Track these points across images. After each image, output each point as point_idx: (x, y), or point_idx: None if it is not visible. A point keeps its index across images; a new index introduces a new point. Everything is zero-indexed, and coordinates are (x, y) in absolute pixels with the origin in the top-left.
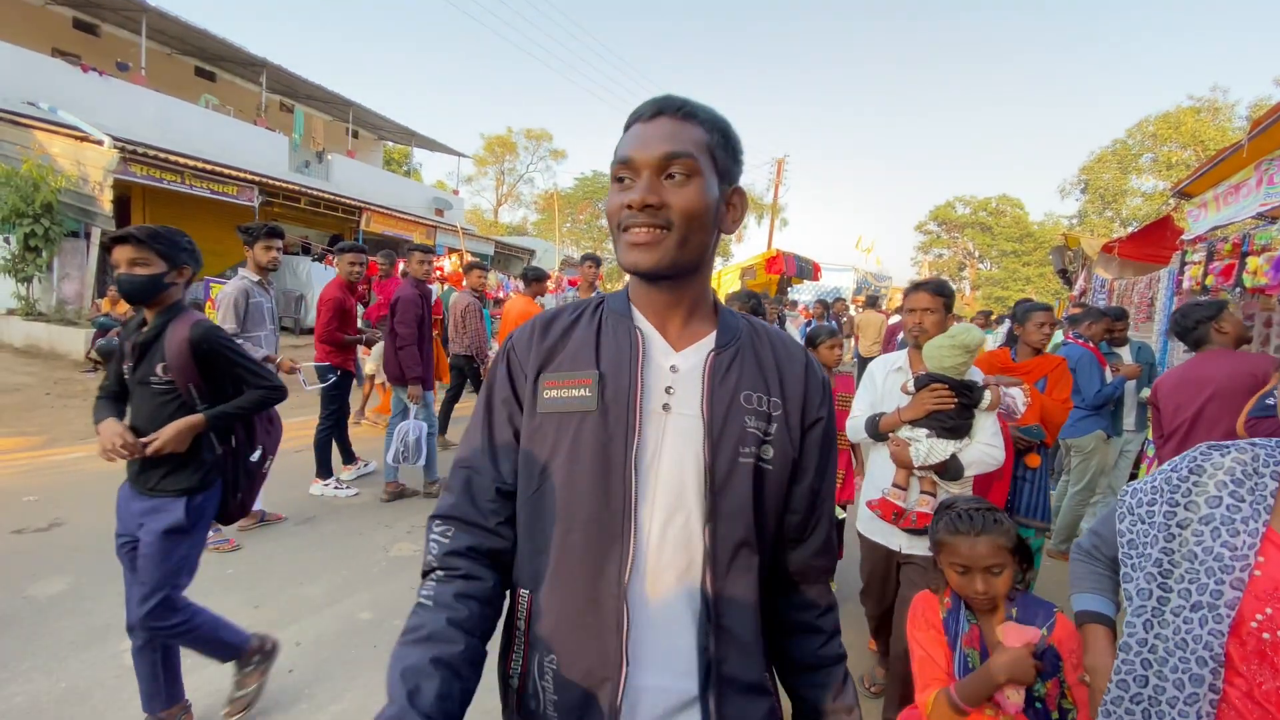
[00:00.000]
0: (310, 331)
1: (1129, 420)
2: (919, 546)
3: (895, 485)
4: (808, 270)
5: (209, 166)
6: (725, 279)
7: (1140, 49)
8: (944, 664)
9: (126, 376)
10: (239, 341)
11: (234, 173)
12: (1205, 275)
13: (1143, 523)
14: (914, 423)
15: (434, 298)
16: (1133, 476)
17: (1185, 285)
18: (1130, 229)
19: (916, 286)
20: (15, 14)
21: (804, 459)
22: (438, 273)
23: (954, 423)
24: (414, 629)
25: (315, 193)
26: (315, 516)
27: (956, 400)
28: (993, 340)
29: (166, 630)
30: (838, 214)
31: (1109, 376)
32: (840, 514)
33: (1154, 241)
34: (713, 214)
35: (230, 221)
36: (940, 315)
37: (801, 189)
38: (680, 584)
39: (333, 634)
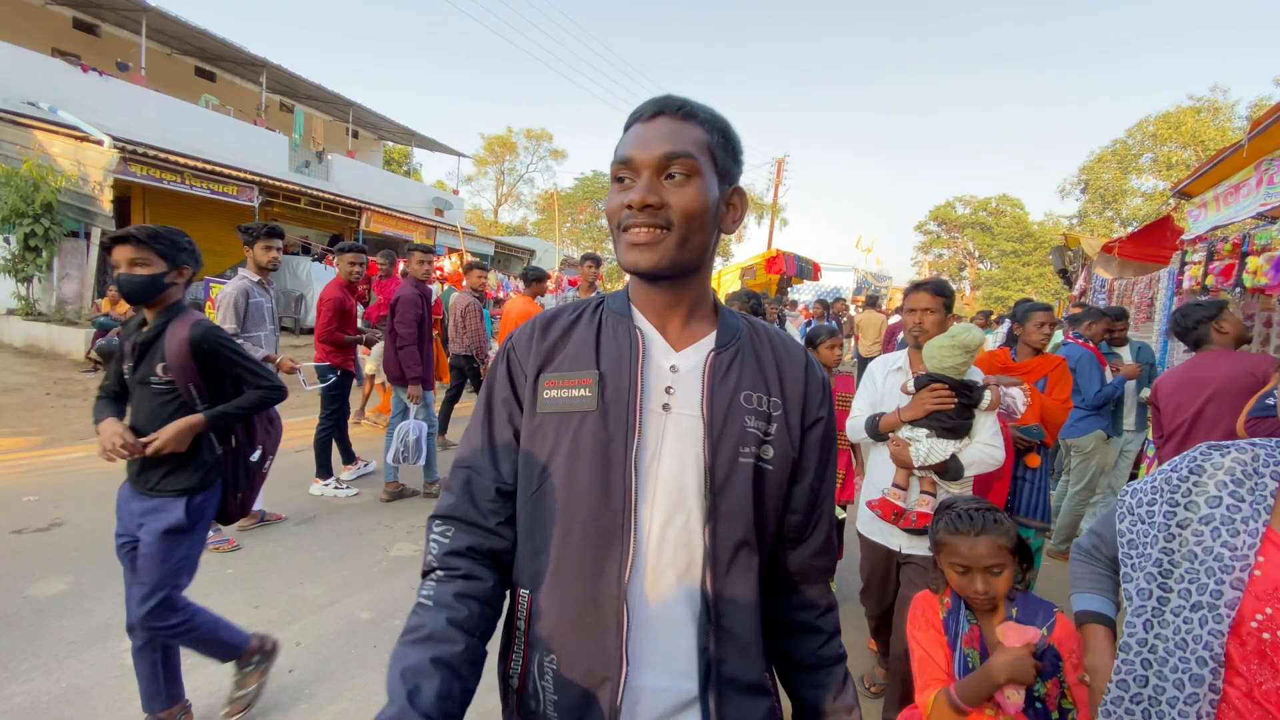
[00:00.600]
0: (310, 331)
1: (1129, 420)
2: (919, 546)
3: (895, 485)
4: (808, 270)
5: (209, 166)
6: (725, 279)
7: (1140, 49)
8: (944, 664)
9: (126, 376)
10: (239, 341)
11: (234, 173)
12: (1205, 275)
13: (1143, 523)
14: (914, 423)
15: (434, 298)
16: (1133, 476)
17: (1185, 285)
18: (1130, 229)
19: (916, 286)
20: (15, 14)
21: (804, 459)
22: (438, 273)
23: (954, 423)
24: (414, 629)
25: (315, 193)
26: (315, 516)
27: (956, 400)
28: (993, 340)
29: (166, 630)
30: (838, 214)
31: (1109, 376)
32: (840, 514)
33: (1154, 241)
34: (713, 214)
35: (230, 221)
36: (940, 315)
37: (801, 189)
38: (680, 584)
39: (333, 634)
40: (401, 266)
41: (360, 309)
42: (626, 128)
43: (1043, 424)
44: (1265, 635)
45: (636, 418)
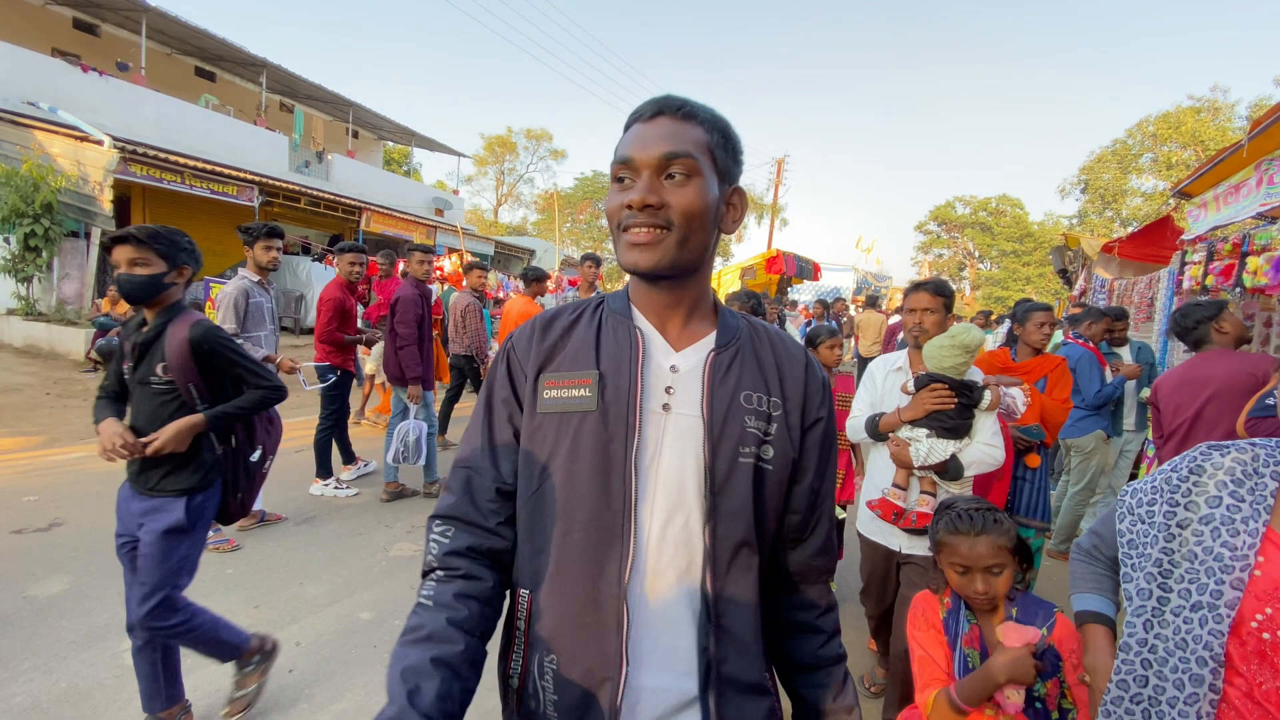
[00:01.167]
0: (310, 331)
1: (1129, 420)
2: (919, 546)
3: (895, 485)
4: (808, 270)
5: (209, 166)
6: (725, 279)
7: (1140, 49)
8: (944, 664)
9: (126, 376)
10: (239, 341)
11: (234, 173)
12: (1205, 275)
13: (1143, 523)
14: (914, 423)
15: (434, 298)
16: (1133, 476)
17: (1185, 285)
18: (1130, 229)
19: (916, 286)
20: (15, 14)
21: (804, 459)
22: (438, 273)
23: (954, 423)
24: (414, 629)
25: (315, 193)
26: (315, 516)
27: (956, 400)
28: (993, 340)
29: (166, 630)
30: (838, 214)
31: (1109, 376)
32: (840, 514)
33: (1154, 241)
34: (713, 214)
35: (230, 221)
36: (940, 315)
37: (801, 189)
38: (680, 584)
39: (333, 634)
40: (401, 266)
41: (360, 309)
42: (626, 128)
43: (1043, 424)
44: (1265, 635)
45: (636, 417)
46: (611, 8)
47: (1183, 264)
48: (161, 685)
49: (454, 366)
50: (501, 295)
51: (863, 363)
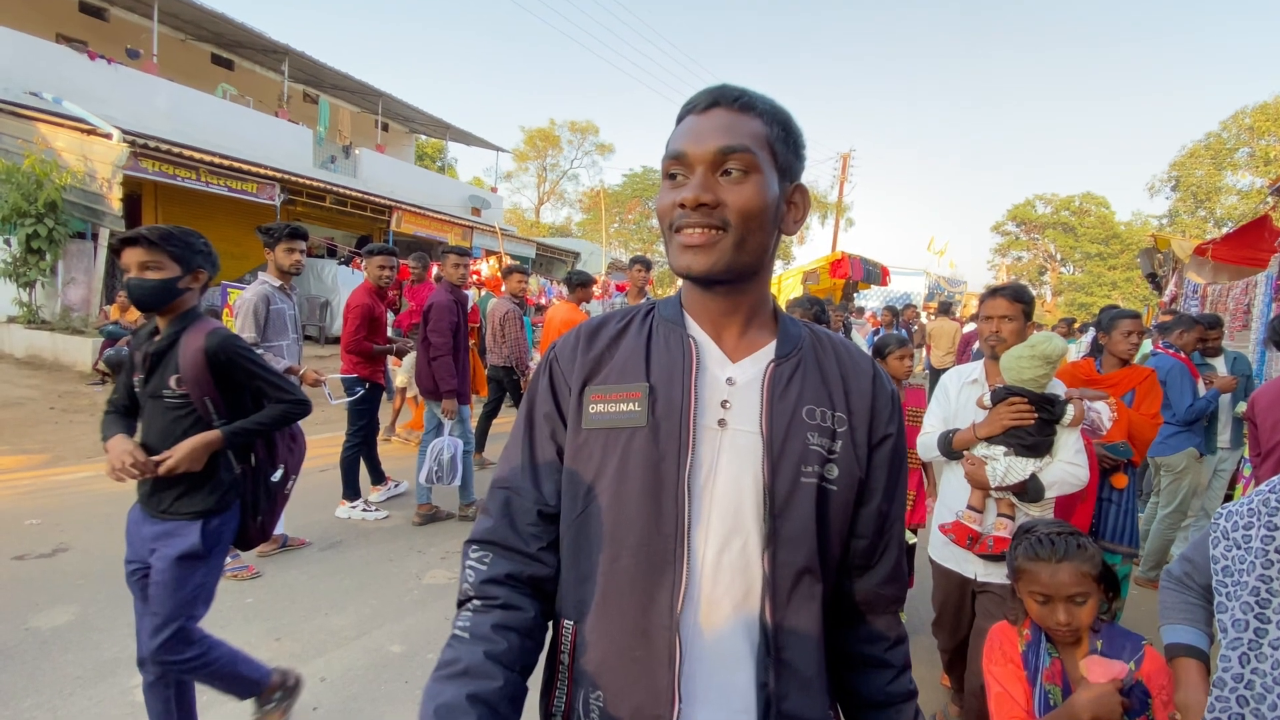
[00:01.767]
0: (336, 341)
1: (1223, 437)
2: (996, 574)
3: (970, 507)
4: (875, 274)
5: (226, 162)
6: (786, 284)
7: (1236, 34)
8: (1023, 701)
9: (137, 389)
10: (259, 351)
11: (254, 168)
12: None
13: (1238, 548)
14: (990, 439)
15: (470, 304)
16: (1228, 498)
17: None
18: (1225, 229)
19: (993, 292)
20: None
21: (871, 479)
22: (474, 277)
23: (1034, 439)
24: (449, 663)
25: (341, 190)
26: (342, 541)
27: (1036, 415)
28: (1075, 350)
29: (181, 665)
30: (907, 213)
31: (1202, 389)
32: (910, 538)
33: (1251, 243)
34: (772, 213)
35: (249, 221)
36: (1019, 323)
37: (868, 186)
38: (737, 614)
39: (361, 668)
40: (435, 270)
41: (390, 316)
42: (679, 120)
43: (1130, 441)
44: None
45: (690, 434)
46: None
47: None
48: None
49: (492, 379)
50: (543, 301)
51: (935, 374)
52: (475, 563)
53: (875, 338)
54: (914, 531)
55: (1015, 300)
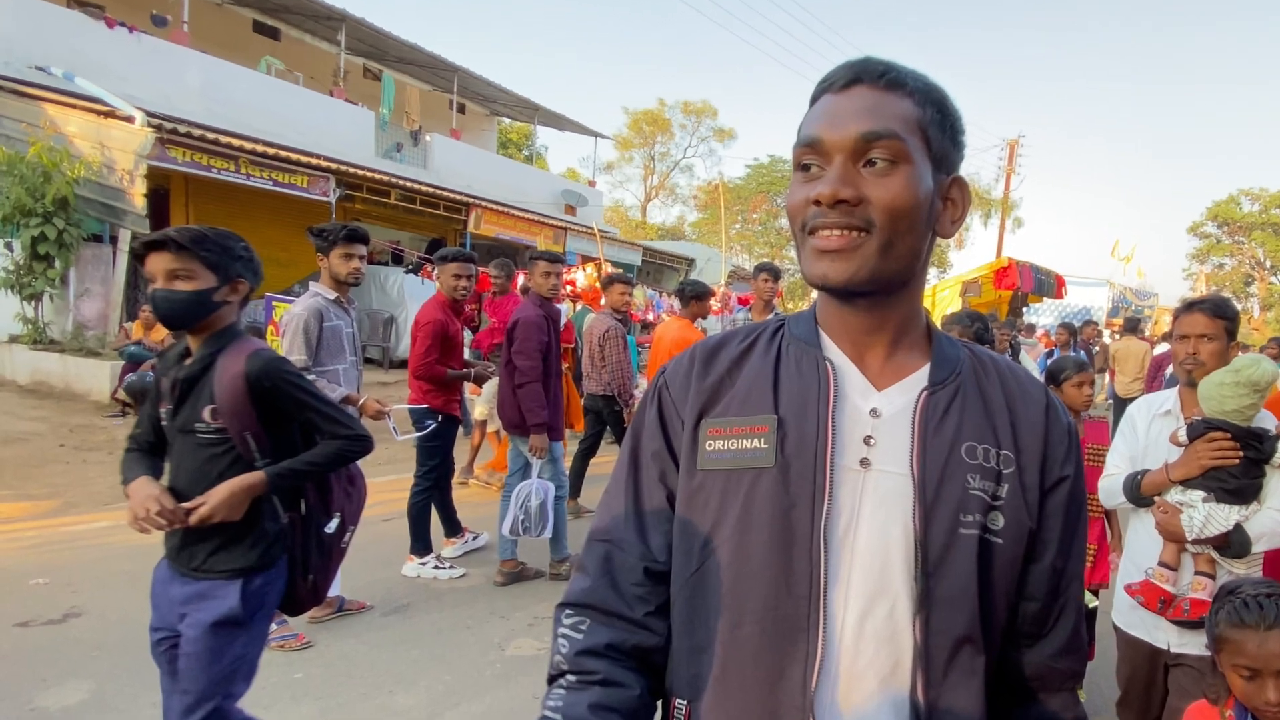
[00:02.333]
0: (403, 364)
1: None
2: (1193, 643)
3: (1162, 564)
4: (1048, 285)
5: (271, 150)
6: (941, 296)
7: None
8: None
9: (165, 423)
10: (310, 377)
11: (304, 158)
12: None
13: None
14: (1186, 483)
15: (564, 320)
16: None
17: None
18: None
19: (1190, 306)
20: None
21: (1043, 529)
22: (568, 288)
23: (1238, 483)
24: None
25: (409, 184)
26: (409, 604)
27: (1241, 454)
28: None
29: None
30: (1087, 212)
31: None
32: (1091, 602)
33: None
34: (925, 212)
35: (299, 222)
36: (1221, 343)
37: (1040, 180)
38: (883, 692)
39: None
40: (521, 280)
41: (468, 335)
42: (814, 100)
43: None
44: None
45: (826, 476)
46: None
47: None
48: None
49: (589, 409)
50: (651, 317)
51: (1120, 404)
52: (569, 630)
53: (1049, 361)
54: (1095, 593)
55: (1216, 316)
